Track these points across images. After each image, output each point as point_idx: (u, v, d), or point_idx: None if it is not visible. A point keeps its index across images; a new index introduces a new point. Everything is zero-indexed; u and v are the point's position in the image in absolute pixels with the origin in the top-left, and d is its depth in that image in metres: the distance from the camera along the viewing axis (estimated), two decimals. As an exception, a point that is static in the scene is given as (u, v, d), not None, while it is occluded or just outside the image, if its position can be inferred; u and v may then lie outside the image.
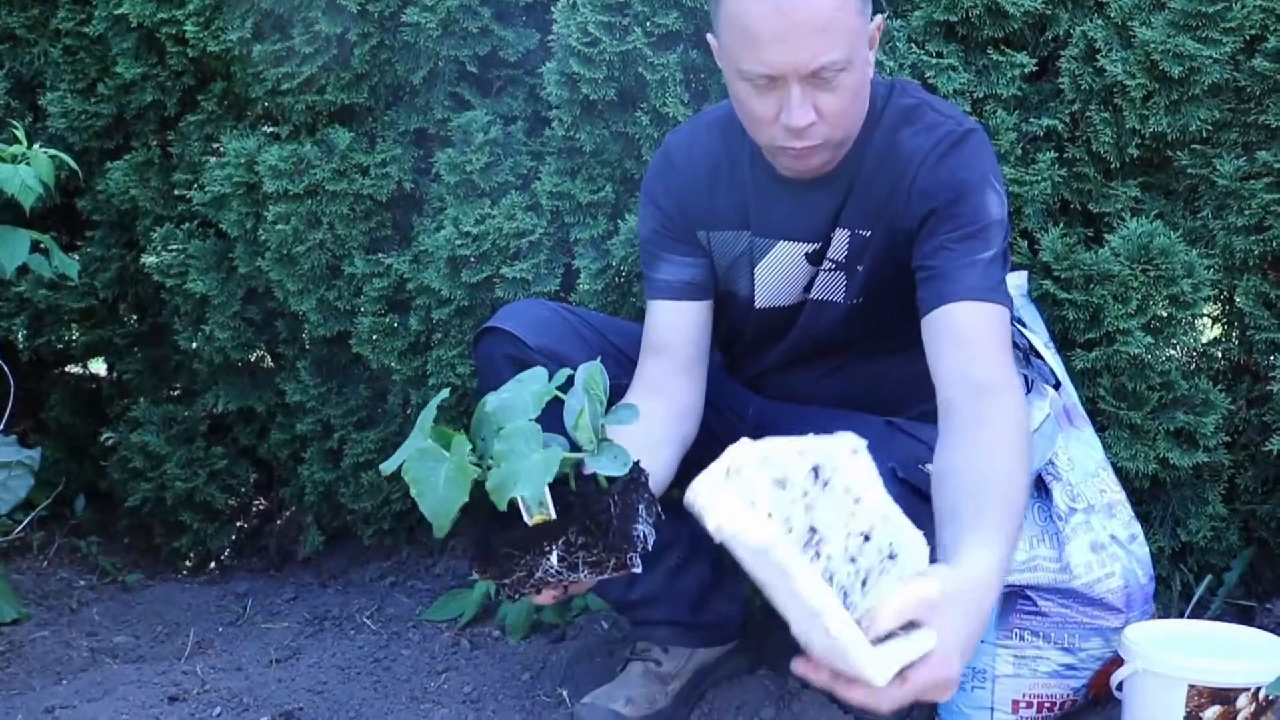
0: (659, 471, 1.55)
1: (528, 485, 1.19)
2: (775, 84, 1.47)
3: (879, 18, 1.56)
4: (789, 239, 1.68)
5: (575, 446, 1.28)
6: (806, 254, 1.68)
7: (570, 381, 1.32)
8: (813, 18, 1.42)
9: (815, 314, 1.72)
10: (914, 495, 1.53)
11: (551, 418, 1.30)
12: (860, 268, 1.65)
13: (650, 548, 1.30)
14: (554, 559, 1.26)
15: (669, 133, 1.82)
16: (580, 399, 1.28)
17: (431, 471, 1.20)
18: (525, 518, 1.27)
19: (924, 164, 1.57)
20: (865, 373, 1.75)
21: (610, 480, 1.31)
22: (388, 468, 1.24)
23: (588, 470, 1.30)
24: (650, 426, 1.54)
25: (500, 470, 1.20)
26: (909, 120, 1.61)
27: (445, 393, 1.40)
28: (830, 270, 1.68)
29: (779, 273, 1.71)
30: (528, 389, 1.26)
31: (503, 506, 1.21)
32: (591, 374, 1.31)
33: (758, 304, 1.74)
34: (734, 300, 1.75)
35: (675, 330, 1.70)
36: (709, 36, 1.58)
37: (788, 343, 1.77)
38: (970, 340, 1.49)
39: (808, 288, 1.71)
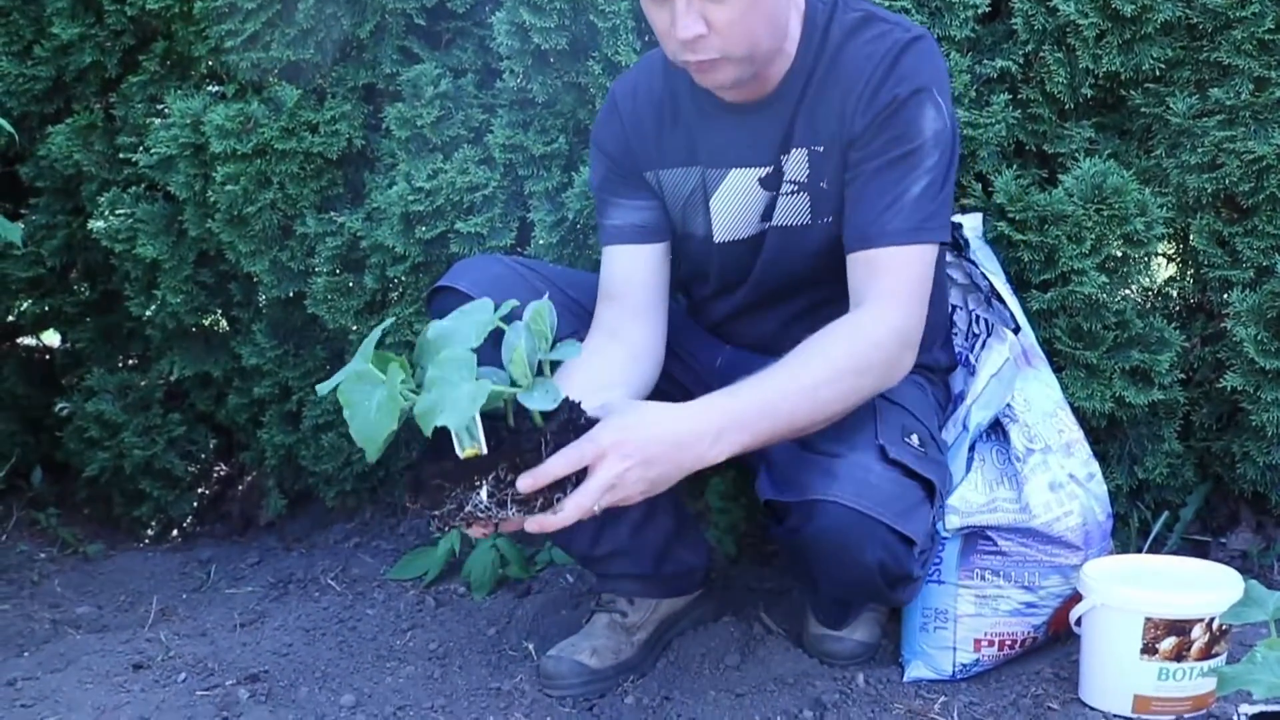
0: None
1: (453, 415, 1.19)
2: None
3: None
4: (741, 166, 1.66)
5: (515, 382, 1.27)
6: (760, 179, 1.66)
7: (517, 316, 1.31)
8: None
9: (779, 241, 1.68)
10: (905, 476, 1.54)
11: (498, 351, 1.31)
12: (824, 184, 1.62)
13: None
14: (483, 494, 1.27)
15: (615, 80, 1.80)
16: (519, 333, 1.27)
17: (366, 396, 1.19)
18: (456, 450, 1.26)
19: (872, 75, 1.55)
20: (835, 316, 1.74)
21: (545, 418, 1.31)
22: (323, 389, 1.23)
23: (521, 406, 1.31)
24: (606, 369, 1.56)
25: (428, 397, 1.19)
26: (855, 32, 1.59)
27: (389, 321, 1.44)
28: (792, 193, 1.64)
29: (735, 202, 1.69)
30: (471, 319, 1.24)
31: (427, 433, 1.21)
32: (538, 310, 1.31)
33: (717, 238, 1.72)
34: (692, 240, 1.74)
35: (629, 274, 1.69)
36: None
37: (753, 280, 1.74)
38: (881, 275, 1.53)
39: (766, 215, 1.69)
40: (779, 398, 1.43)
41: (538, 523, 1.31)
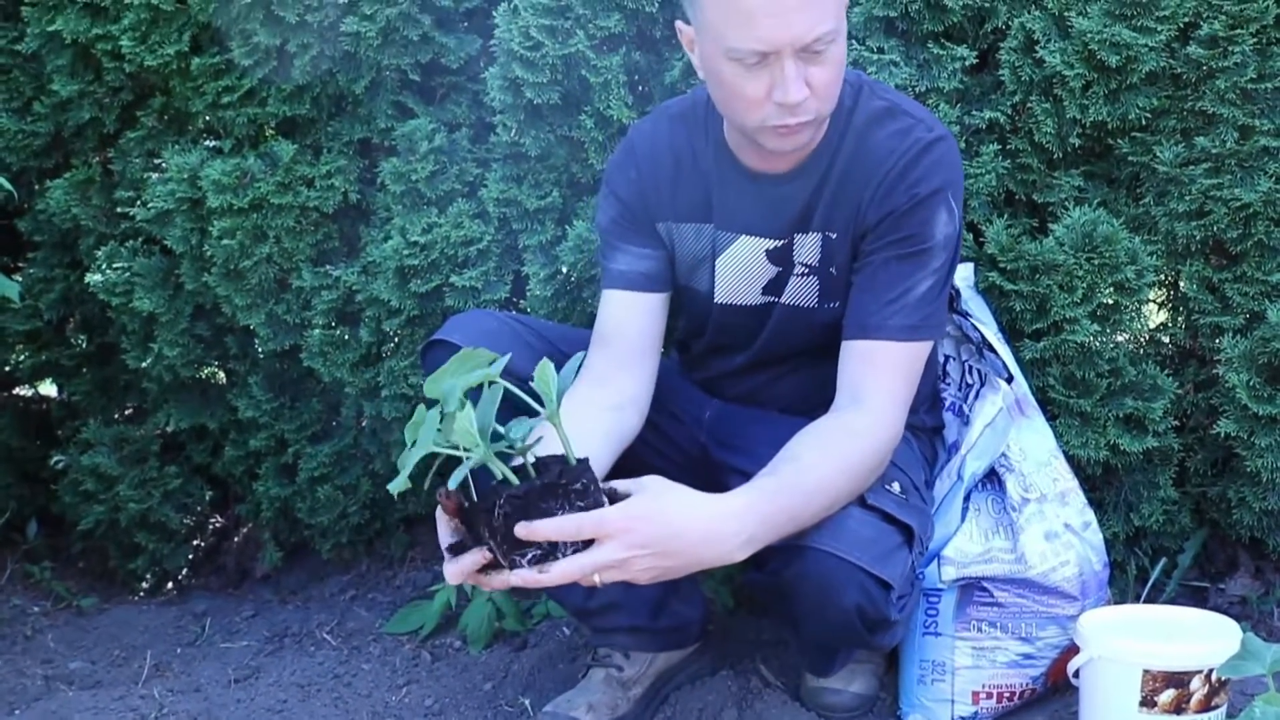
0: (600, 451, 1.54)
1: (401, 475, 1.23)
2: (766, 60, 1.46)
3: None
4: (751, 233, 1.68)
5: (465, 448, 1.26)
6: (768, 250, 1.68)
7: (515, 371, 1.30)
8: None
9: (787, 320, 1.71)
10: (884, 522, 1.55)
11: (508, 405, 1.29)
12: (833, 270, 1.66)
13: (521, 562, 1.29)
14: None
15: (633, 124, 1.81)
16: (479, 407, 1.26)
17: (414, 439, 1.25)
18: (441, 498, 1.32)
19: (891, 169, 1.58)
20: (822, 372, 1.74)
21: (539, 471, 1.30)
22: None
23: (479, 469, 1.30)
24: (587, 418, 1.54)
25: (401, 456, 1.24)
26: (880, 123, 1.61)
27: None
28: (803, 274, 1.68)
29: (739, 267, 1.70)
30: (461, 376, 1.24)
31: (395, 490, 1.25)
32: (541, 371, 1.29)
33: (717, 299, 1.73)
34: (694, 295, 1.75)
35: (624, 321, 1.69)
36: (679, 24, 1.57)
37: (757, 347, 1.76)
38: (879, 371, 1.56)
39: (770, 289, 1.71)
40: (803, 498, 1.46)
41: (521, 577, 1.29)
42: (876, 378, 1.56)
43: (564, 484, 1.28)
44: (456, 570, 1.30)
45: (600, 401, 1.62)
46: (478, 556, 1.29)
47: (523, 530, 1.27)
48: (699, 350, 1.85)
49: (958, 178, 1.61)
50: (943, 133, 1.61)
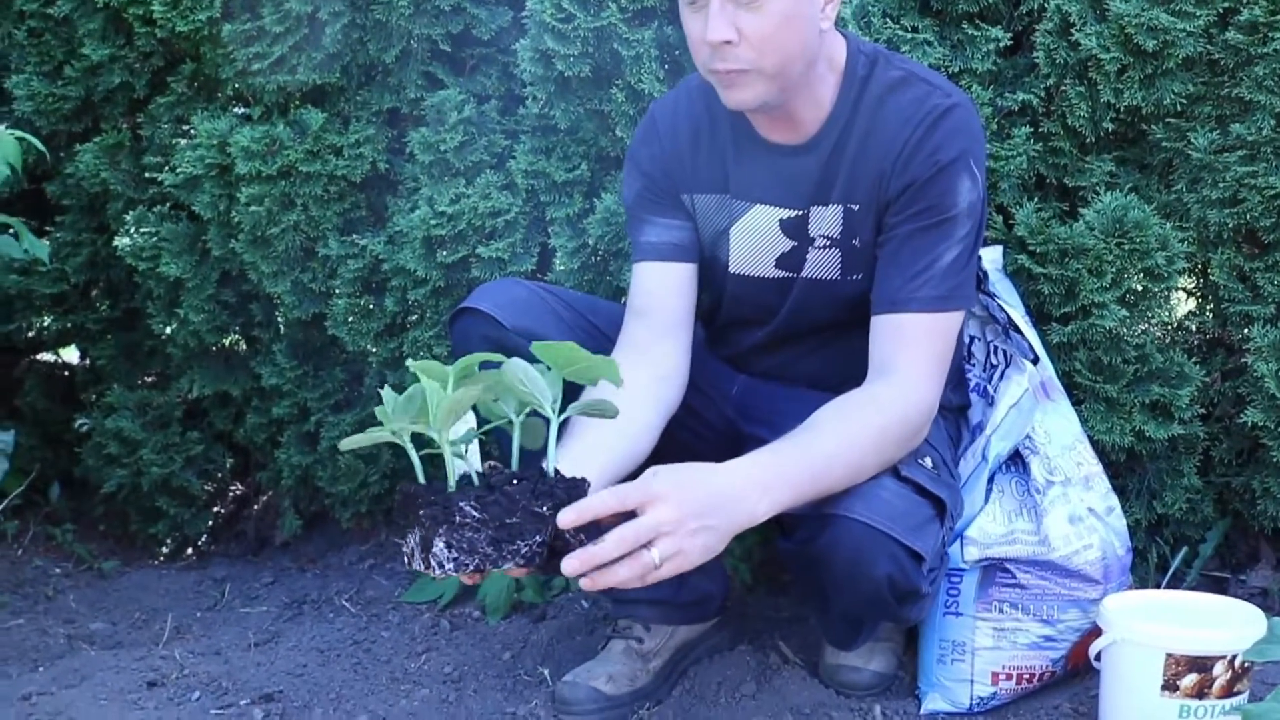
0: (641, 431, 1.55)
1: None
2: (702, 2, 1.48)
3: None
4: (766, 203, 1.68)
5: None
6: (781, 220, 1.68)
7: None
8: None
9: (809, 292, 1.71)
10: (916, 494, 1.55)
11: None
12: (856, 242, 1.65)
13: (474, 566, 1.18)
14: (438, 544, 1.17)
15: (655, 100, 1.81)
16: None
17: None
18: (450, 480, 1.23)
19: (910, 138, 1.57)
20: (850, 346, 1.73)
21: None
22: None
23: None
24: (633, 387, 1.49)
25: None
26: (896, 91, 1.60)
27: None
28: (824, 247, 1.67)
29: (752, 237, 1.70)
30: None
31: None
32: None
33: (731, 269, 1.74)
34: (713, 266, 1.75)
35: (659, 292, 1.69)
36: None
37: (777, 322, 1.76)
38: (909, 343, 1.55)
39: (785, 263, 1.70)
40: (824, 461, 1.44)
41: (579, 560, 1.19)
42: (906, 350, 1.55)
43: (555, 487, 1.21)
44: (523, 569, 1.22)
45: (643, 373, 1.59)
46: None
47: (570, 515, 1.19)
48: (720, 324, 1.85)
49: (978, 143, 1.60)
50: (960, 98, 1.60)
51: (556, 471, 1.24)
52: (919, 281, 1.56)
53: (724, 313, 1.81)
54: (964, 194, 1.56)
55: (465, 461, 1.23)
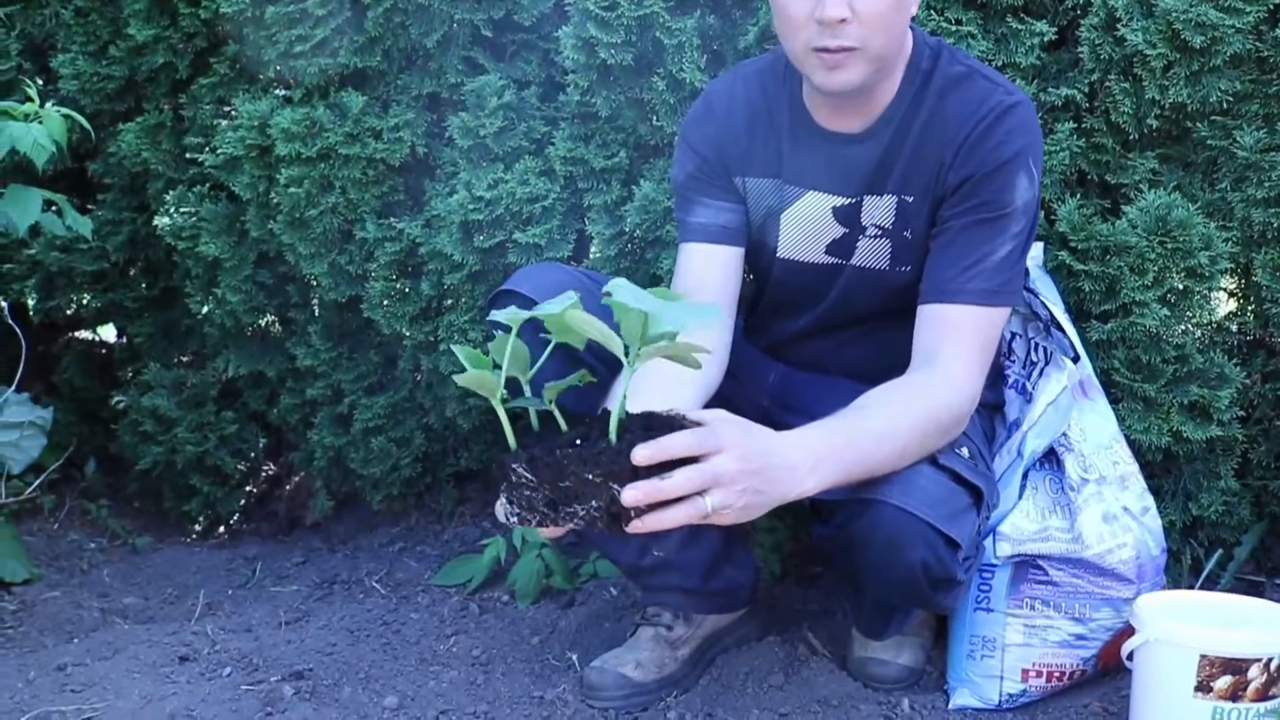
0: (688, 400, 1.52)
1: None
2: None
3: None
4: (819, 190, 1.68)
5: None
6: (835, 208, 1.68)
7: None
8: None
9: (857, 280, 1.71)
10: (954, 482, 1.55)
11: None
12: (908, 234, 1.66)
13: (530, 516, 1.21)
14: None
15: (710, 82, 1.81)
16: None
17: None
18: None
19: (971, 133, 1.58)
20: (890, 337, 1.73)
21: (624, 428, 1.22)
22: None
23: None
24: (672, 368, 1.50)
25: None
26: (958, 86, 1.61)
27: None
28: (876, 236, 1.67)
29: (804, 223, 1.71)
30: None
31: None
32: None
33: (779, 254, 1.74)
34: (761, 250, 1.76)
35: (705, 274, 1.69)
36: None
37: (822, 309, 1.76)
38: (955, 335, 1.55)
39: (835, 249, 1.70)
40: (871, 442, 1.44)
41: (644, 490, 1.17)
42: (952, 341, 1.55)
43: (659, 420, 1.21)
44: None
45: None
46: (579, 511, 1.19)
47: (644, 451, 1.17)
48: (762, 309, 1.85)
49: (1037, 142, 1.60)
50: (1021, 97, 1.61)
51: (623, 421, 1.21)
52: (971, 274, 1.56)
53: (768, 298, 1.81)
54: (1021, 191, 1.57)
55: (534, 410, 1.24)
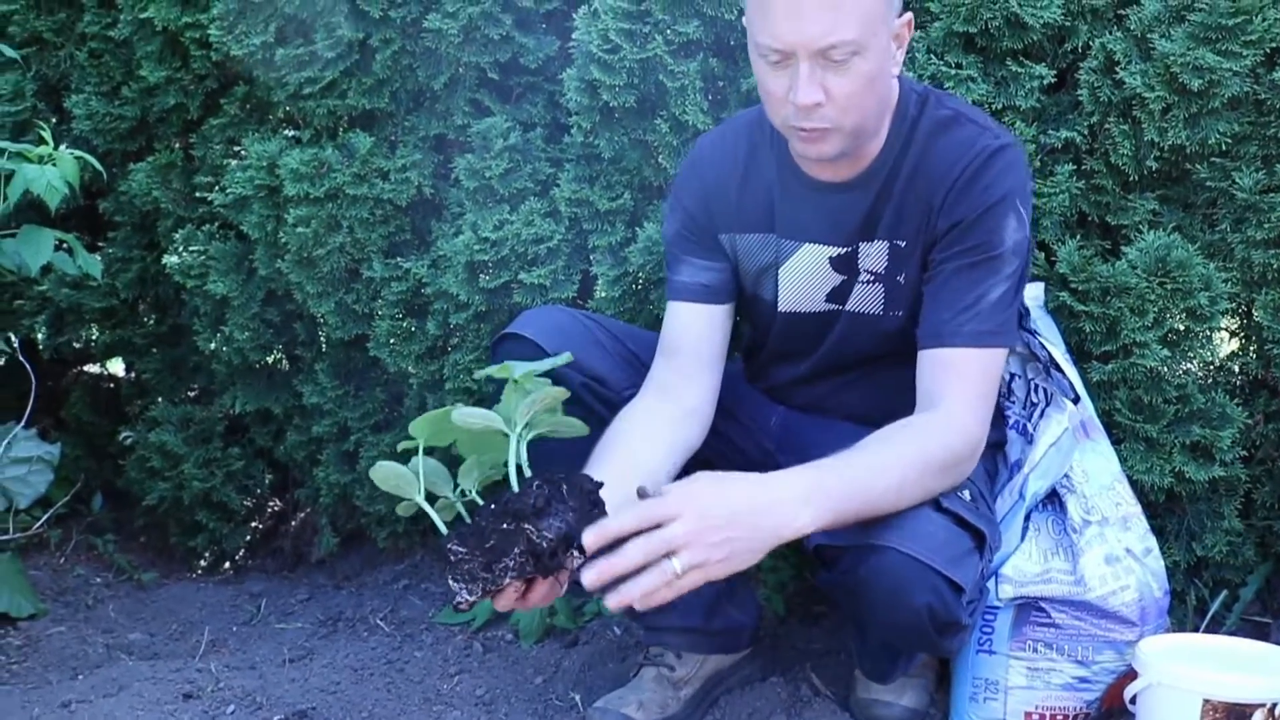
0: (653, 472, 1.54)
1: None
2: (787, 60, 1.49)
3: (908, 15, 1.57)
4: (815, 242, 1.69)
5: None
6: (831, 258, 1.69)
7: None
8: None
9: (851, 325, 1.73)
10: (956, 525, 1.56)
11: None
12: (900, 279, 1.67)
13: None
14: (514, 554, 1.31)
15: (701, 134, 1.83)
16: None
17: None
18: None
19: (959, 177, 1.59)
20: (891, 381, 1.74)
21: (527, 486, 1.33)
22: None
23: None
24: (650, 427, 1.59)
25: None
26: (945, 130, 1.62)
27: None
28: (868, 282, 1.69)
29: (803, 275, 1.72)
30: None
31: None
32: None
33: (780, 307, 1.75)
34: (759, 303, 1.77)
35: (688, 332, 1.71)
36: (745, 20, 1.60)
37: (820, 354, 1.78)
38: (954, 377, 1.55)
39: (834, 296, 1.72)
40: (866, 475, 1.44)
41: (598, 570, 1.25)
42: (951, 384, 1.56)
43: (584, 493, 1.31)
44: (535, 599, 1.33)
45: (664, 414, 1.64)
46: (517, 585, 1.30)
47: (591, 536, 1.25)
48: (763, 358, 1.86)
49: (1025, 183, 1.61)
50: (1008, 139, 1.62)
51: (522, 480, 1.33)
52: (965, 317, 1.57)
53: (769, 348, 1.82)
54: (1010, 232, 1.58)
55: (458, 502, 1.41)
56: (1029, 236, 1.62)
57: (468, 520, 1.35)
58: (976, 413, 1.56)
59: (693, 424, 1.67)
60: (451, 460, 1.44)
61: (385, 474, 1.39)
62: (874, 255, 1.67)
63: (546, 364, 1.41)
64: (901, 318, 1.68)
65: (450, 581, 1.30)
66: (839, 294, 1.72)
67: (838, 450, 1.50)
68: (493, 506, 1.29)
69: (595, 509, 1.32)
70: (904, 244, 1.65)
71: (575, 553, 1.28)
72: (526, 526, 1.27)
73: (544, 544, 1.27)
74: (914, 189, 1.62)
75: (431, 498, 1.40)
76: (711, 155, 1.74)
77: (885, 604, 1.53)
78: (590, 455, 1.54)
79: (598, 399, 1.70)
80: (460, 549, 1.29)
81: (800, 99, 1.49)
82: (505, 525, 1.28)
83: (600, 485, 1.35)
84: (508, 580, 1.28)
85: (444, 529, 1.37)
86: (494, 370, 1.40)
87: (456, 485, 1.41)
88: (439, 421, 1.38)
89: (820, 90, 1.49)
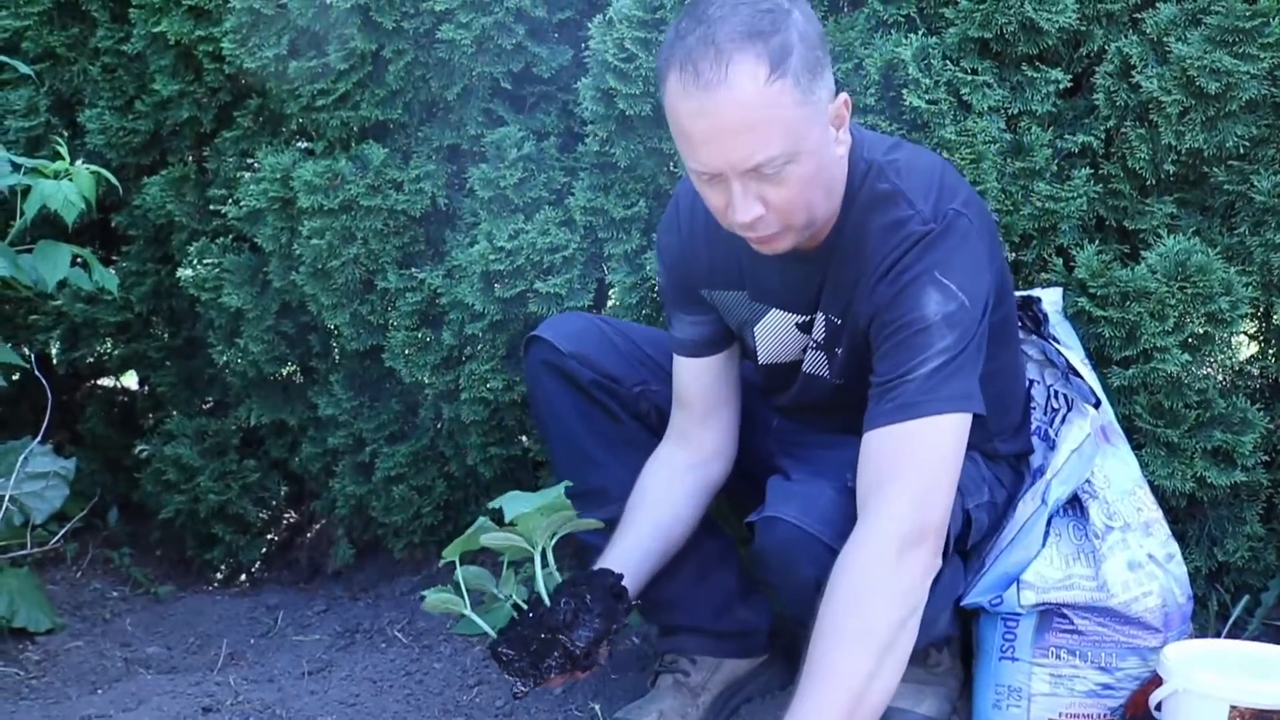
0: (675, 523, 1.75)
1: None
2: (719, 179, 1.45)
3: (841, 96, 1.49)
4: (781, 308, 1.69)
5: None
6: (797, 324, 1.70)
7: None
8: (741, 119, 1.38)
9: (807, 385, 1.76)
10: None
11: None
12: (838, 350, 1.66)
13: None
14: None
15: (680, 181, 1.81)
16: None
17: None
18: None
19: (879, 266, 1.53)
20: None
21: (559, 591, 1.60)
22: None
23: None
24: (672, 476, 1.75)
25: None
26: (878, 211, 1.55)
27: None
28: (814, 349, 1.70)
29: (774, 336, 1.73)
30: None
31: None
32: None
33: (761, 360, 1.77)
34: (745, 349, 1.80)
35: (695, 383, 1.78)
36: None
37: (789, 398, 1.82)
38: (886, 465, 1.47)
39: (801, 353, 1.74)
40: (849, 700, 1.41)
41: None
42: (883, 479, 1.47)
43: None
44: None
45: (683, 461, 1.77)
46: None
47: None
48: (754, 385, 1.89)
49: (955, 254, 1.52)
50: (940, 226, 1.52)
51: (554, 595, 1.59)
52: (892, 395, 1.49)
53: (757, 383, 1.86)
54: (932, 306, 1.49)
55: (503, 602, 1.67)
56: (968, 303, 1.50)
57: (516, 615, 1.60)
58: (911, 499, 1.45)
59: (713, 465, 1.79)
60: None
61: (435, 602, 1.65)
62: (818, 326, 1.67)
63: (539, 498, 1.60)
64: (843, 385, 1.67)
65: (506, 676, 1.59)
66: (803, 352, 1.73)
67: (830, 455, 1.59)
68: (530, 615, 1.57)
69: (620, 602, 1.57)
70: (839, 320, 1.62)
71: (606, 648, 1.57)
72: (561, 638, 1.54)
73: (577, 650, 1.54)
74: (843, 270, 1.58)
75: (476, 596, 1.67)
76: (686, 207, 1.73)
77: (778, 573, 1.58)
78: (621, 513, 1.74)
79: (609, 395, 1.85)
80: (509, 652, 1.57)
81: (738, 218, 1.45)
82: (543, 635, 1.55)
83: (620, 577, 1.59)
84: (552, 676, 1.56)
85: (493, 634, 1.61)
86: (487, 529, 1.64)
87: (499, 585, 1.67)
88: (469, 542, 1.64)
89: (758, 204, 1.44)
